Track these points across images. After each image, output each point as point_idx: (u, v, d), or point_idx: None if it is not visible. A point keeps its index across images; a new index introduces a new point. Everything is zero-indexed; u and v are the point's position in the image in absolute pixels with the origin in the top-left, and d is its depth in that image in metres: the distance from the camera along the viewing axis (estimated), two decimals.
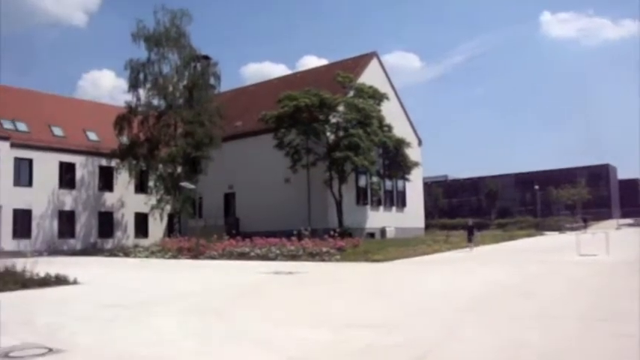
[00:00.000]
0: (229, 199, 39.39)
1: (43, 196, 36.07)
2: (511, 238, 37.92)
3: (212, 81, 37.81)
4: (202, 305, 10.23)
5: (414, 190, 42.37)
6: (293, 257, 23.28)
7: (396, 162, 36.35)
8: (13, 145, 34.08)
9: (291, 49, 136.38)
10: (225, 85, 43.37)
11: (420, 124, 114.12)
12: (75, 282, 14.16)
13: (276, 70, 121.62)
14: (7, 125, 35.64)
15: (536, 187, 70.06)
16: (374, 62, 40.48)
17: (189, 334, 7.32)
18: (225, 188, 39.08)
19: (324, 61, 77.79)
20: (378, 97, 34.51)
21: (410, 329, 7.35)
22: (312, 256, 22.93)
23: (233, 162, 37.98)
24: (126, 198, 40.17)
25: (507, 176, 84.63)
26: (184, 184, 31.19)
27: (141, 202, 38.77)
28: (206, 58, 37.55)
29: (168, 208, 36.55)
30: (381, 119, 33.83)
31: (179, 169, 36.18)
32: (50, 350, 6.28)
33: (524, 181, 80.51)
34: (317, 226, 30.18)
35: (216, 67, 37.92)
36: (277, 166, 34.52)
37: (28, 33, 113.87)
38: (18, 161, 35.05)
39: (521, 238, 38.75)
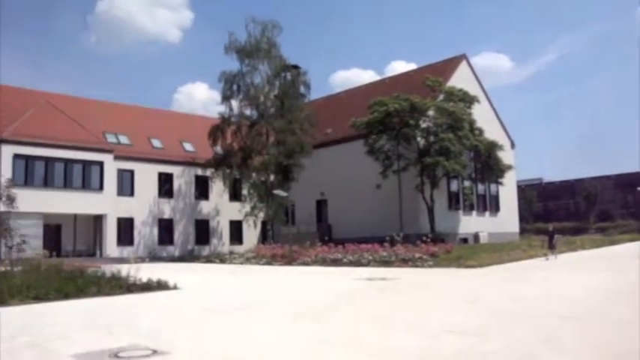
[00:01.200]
0: (321, 205, 40.75)
1: (143, 205, 38.85)
2: (612, 242, 36.79)
3: (302, 90, 39.49)
4: (298, 310, 10.51)
5: (508, 193, 42.03)
6: (385, 263, 23.48)
7: (488, 165, 36.31)
8: (116, 158, 36.91)
9: (379, 54, 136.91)
10: (315, 94, 44.98)
11: (513, 126, 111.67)
12: (175, 287, 14.79)
13: (365, 76, 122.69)
14: (111, 139, 38.72)
15: (639, 188, 66.75)
16: (463, 65, 40.65)
17: (286, 338, 7.59)
18: (317, 195, 40.44)
19: (412, 66, 78.19)
20: (468, 100, 34.75)
21: (505, 336, 7.34)
22: (405, 262, 23.14)
23: (324, 169, 39.28)
24: (221, 206, 42.41)
25: (607, 178, 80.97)
26: (277, 191, 32.59)
27: (235, 210, 40.80)
28: (296, 67, 39.12)
29: (261, 215, 38.34)
30: (471, 122, 34.01)
31: (271, 177, 37.90)
32: (155, 352, 6.64)
33: (626, 182, 76.56)
34: (409, 232, 30.71)
35: (305, 76, 39.58)
36: (368, 172, 35.40)
37: (126, 51, 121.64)
38: (121, 172, 37.96)
39: (624, 242, 37.41)
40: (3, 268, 16.84)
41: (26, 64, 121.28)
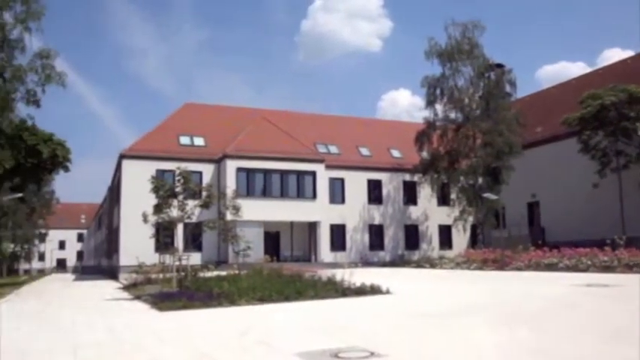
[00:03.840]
0: (532, 207, 40.90)
1: (354, 211, 42.38)
2: None
3: (508, 88, 40.25)
4: (514, 317, 10.61)
5: None
6: (606, 269, 22.75)
7: None
8: (327, 167, 40.79)
9: (589, 44, 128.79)
10: (522, 91, 45.16)
11: None
12: (387, 291, 15.62)
13: (574, 69, 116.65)
14: (322, 149, 42.97)
15: None
16: None
17: (501, 345, 7.71)
18: (528, 197, 40.66)
19: (629, 53, 73.03)
20: None
21: None
22: (629, 268, 22.06)
23: (535, 169, 39.41)
24: (429, 211, 44.53)
25: None
26: (487, 195, 33.61)
27: (444, 215, 42.65)
28: (500, 66, 39.92)
29: (470, 219, 39.76)
30: None
31: (480, 180, 39.12)
32: (372, 354, 7.08)
33: None
34: (633, 234, 29.76)
35: (510, 74, 40.30)
36: (583, 171, 34.91)
37: (331, 64, 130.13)
38: (332, 181, 41.88)
39: None
40: (232, 272, 20.34)
41: (245, 86, 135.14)
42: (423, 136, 40.81)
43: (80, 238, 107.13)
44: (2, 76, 27.72)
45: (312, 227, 39.93)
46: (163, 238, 25.27)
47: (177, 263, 19.90)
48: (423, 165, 41.22)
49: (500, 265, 28.27)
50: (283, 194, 38.98)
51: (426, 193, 43.59)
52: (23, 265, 75.90)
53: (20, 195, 34.87)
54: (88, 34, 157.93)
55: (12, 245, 66.03)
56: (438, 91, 40.47)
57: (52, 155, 33.25)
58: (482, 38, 40.41)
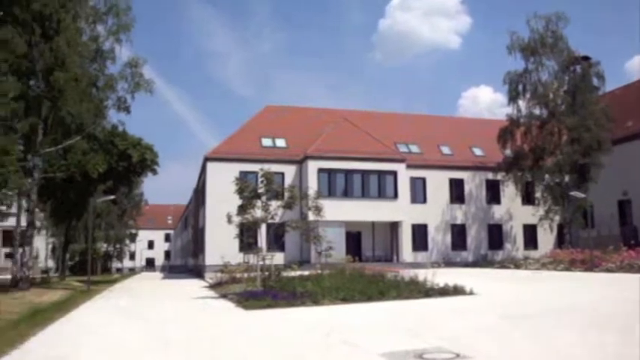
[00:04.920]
0: (624, 206, 39.15)
1: (436, 211, 41.98)
2: None
3: (595, 82, 38.87)
4: (602, 321, 10.28)
5: None
6: None
7: None
8: (408, 166, 40.58)
9: None
10: (610, 84, 43.37)
11: None
12: (471, 292, 15.65)
13: None
14: (403, 149, 42.78)
15: None
16: None
17: (587, 349, 7.61)
18: (619, 195, 38.99)
19: None
20: None
21: None
22: None
23: (627, 166, 37.74)
24: (513, 210, 43.52)
25: None
26: (574, 193, 32.61)
27: (528, 214, 41.60)
28: (586, 58, 38.60)
29: (557, 218, 38.58)
30: None
31: (566, 178, 37.96)
32: (457, 355, 7.09)
33: None
34: None
35: (598, 67, 38.88)
36: None
37: (410, 62, 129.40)
38: (413, 180, 41.62)
39: None
40: (315, 272, 20.70)
41: (325, 87, 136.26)
42: (506, 133, 39.99)
43: (167, 238, 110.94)
44: (95, 85, 29.16)
45: (394, 227, 39.83)
46: (247, 238, 25.89)
47: (261, 263, 20.34)
48: (506, 163, 40.42)
49: (590, 266, 27.49)
50: (364, 194, 39.05)
51: (509, 192, 42.62)
52: (115, 264, 79.27)
53: (113, 197, 36.49)
54: (171, 41, 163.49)
55: (105, 245, 69.29)
56: (520, 87, 39.57)
57: (141, 159, 34.69)
58: (566, 30, 39.32)
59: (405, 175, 40.22)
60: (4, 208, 19.82)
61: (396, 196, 39.32)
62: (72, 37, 26.03)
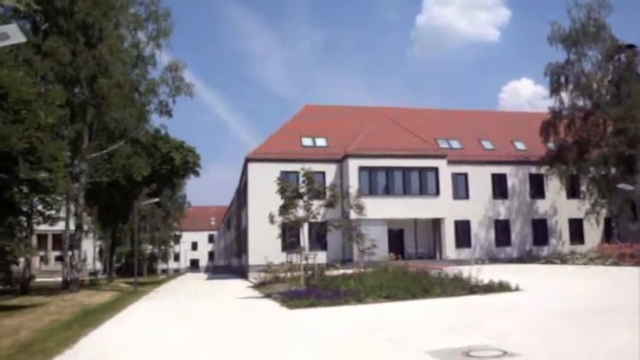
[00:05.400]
0: None
1: (479, 206, 41.48)
2: None
3: None
4: None
5: None
6: None
7: None
8: (449, 162, 40.17)
9: None
10: None
11: None
12: (517, 289, 15.57)
13: None
14: (443, 144, 42.42)
15: None
16: None
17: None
18: None
19: None
20: None
21: None
22: None
23: None
24: (558, 204, 42.71)
25: None
26: (621, 185, 31.94)
27: (574, 208, 40.82)
28: (631, 47, 37.73)
29: (604, 212, 37.72)
30: None
31: (613, 171, 37.08)
32: (505, 353, 7.07)
33: None
34: None
35: None
36: None
37: (448, 57, 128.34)
38: (455, 176, 41.17)
39: None
40: (357, 270, 20.75)
41: (364, 85, 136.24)
42: (548, 126, 39.33)
43: (211, 239, 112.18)
44: (138, 91, 29.78)
45: (436, 224, 39.53)
46: (289, 238, 26.04)
47: (304, 262, 20.45)
48: (549, 156, 39.75)
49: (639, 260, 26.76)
50: (406, 191, 38.79)
51: (554, 186, 41.78)
52: (161, 265, 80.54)
53: (157, 200, 37.17)
54: (210, 44, 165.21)
55: (150, 247, 70.54)
56: (563, 79, 38.90)
57: (184, 161, 35.28)
58: (609, 18, 38.40)
59: (446, 171, 39.81)
60: (53, 212, 20.32)
61: (437, 192, 38.97)
62: (114, 45, 26.66)
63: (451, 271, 18.20)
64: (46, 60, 24.55)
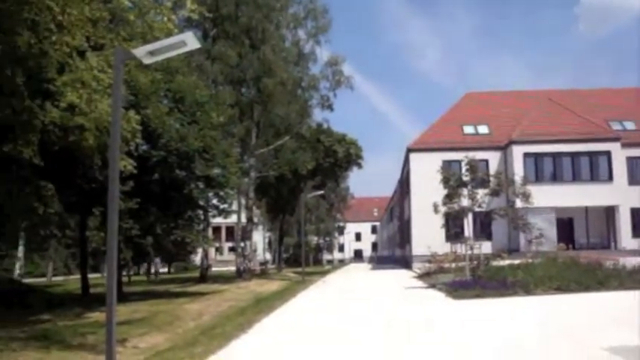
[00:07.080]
0: None
1: None
2: None
3: None
4: None
5: None
6: None
7: None
8: (623, 146, 37.20)
9: None
10: None
11: None
12: None
13: None
14: (616, 126, 39.33)
15: None
16: None
17: None
18: None
19: None
20: None
21: None
22: None
23: None
24: None
25: None
26: None
27: None
28: None
29: None
30: None
31: None
32: None
33: None
34: None
35: None
36: None
37: (617, 32, 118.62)
38: (630, 160, 37.98)
39: None
40: (525, 261, 19.98)
41: (526, 68, 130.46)
42: None
43: (374, 230, 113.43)
44: (300, 87, 30.86)
45: (610, 212, 36.86)
46: (453, 228, 25.64)
47: (468, 252, 20.05)
48: None
49: None
50: (575, 178, 36.54)
51: None
52: (326, 256, 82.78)
53: (321, 192, 38.28)
54: (367, 37, 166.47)
55: (316, 238, 72.85)
56: None
57: (347, 154, 35.97)
58: None
59: (620, 155, 36.94)
60: (226, 206, 21.72)
61: (610, 178, 36.27)
62: (276, 45, 27.89)
63: (629, 262, 17.23)
64: (216, 64, 26.20)
